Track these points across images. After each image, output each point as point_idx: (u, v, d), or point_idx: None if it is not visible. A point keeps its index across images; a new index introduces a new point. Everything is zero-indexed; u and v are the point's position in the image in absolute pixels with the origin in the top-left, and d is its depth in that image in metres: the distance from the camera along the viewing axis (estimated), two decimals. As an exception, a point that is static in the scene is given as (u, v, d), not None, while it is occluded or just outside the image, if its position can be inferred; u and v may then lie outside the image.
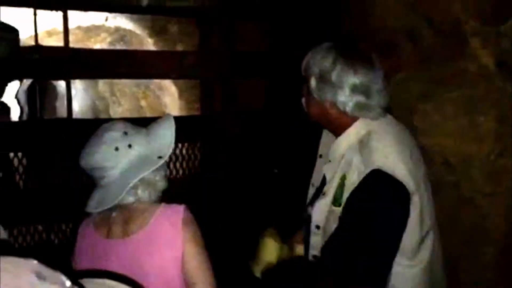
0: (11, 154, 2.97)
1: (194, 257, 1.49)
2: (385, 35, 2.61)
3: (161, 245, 1.48)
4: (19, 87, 5.96)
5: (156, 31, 4.69)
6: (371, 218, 1.56)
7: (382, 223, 1.57)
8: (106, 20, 4.66)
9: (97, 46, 5.69)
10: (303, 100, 1.77)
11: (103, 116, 7.62)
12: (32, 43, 3.23)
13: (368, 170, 1.58)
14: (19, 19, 3.48)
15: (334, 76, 1.62)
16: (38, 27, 3.00)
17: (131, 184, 1.46)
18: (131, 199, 1.51)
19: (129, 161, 1.48)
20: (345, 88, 1.62)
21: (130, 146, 1.49)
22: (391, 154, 1.60)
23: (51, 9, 2.69)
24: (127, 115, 6.92)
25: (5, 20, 2.70)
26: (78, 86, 7.50)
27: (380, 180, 1.56)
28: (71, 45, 2.74)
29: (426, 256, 1.66)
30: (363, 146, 1.64)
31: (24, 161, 2.95)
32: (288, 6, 3.07)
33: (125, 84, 6.74)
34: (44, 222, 2.75)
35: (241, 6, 2.98)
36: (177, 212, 1.52)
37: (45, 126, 2.68)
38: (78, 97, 7.70)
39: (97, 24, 4.82)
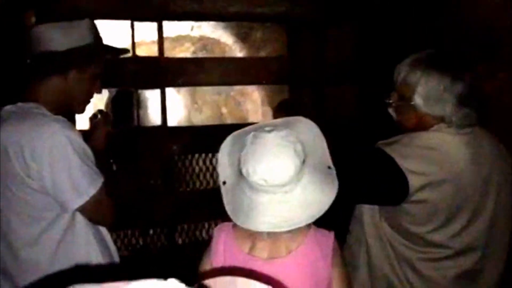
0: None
1: None
2: (487, 35, 2.49)
3: (308, 274, 1.36)
4: (107, 96, 6.24)
5: (240, 39, 4.74)
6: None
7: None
8: (192, 29, 4.77)
9: (181, 55, 5.85)
10: (392, 108, 1.80)
11: (184, 123, 7.82)
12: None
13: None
14: (113, 31, 3.66)
15: (441, 91, 1.66)
16: (127, 39, 3.12)
17: (330, 203, 1.32)
18: None
19: (307, 174, 1.34)
20: (453, 100, 1.66)
21: (306, 157, 1.35)
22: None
23: (147, 20, 2.80)
24: (208, 122, 7.06)
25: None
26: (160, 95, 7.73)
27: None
28: (157, 55, 2.83)
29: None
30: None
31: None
32: (379, 11, 3.00)
33: (206, 92, 6.87)
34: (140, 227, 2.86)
35: (332, 12, 2.94)
36: (329, 240, 1.39)
37: (143, 133, 2.78)
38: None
39: (183, 34, 4.95)
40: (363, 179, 1.70)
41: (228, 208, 1.38)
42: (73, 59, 1.79)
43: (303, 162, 1.33)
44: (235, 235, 1.43)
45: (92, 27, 1.87)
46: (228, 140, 1.43)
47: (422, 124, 1.73)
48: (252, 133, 1.37)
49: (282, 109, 2.65)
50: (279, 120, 1.50)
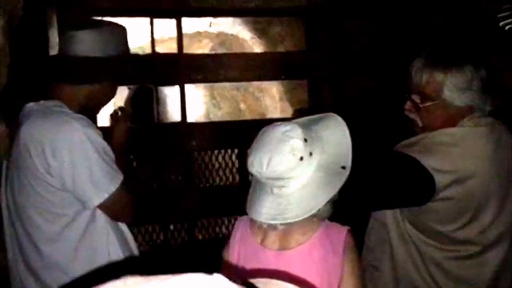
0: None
1: None
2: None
3: (317, 268, 1.37)
4: (127, 93, 6.29)
5: (258, 34, 4.72)
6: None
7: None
8: (210, 25, 4.77)
9: (199, 51, 5.86)
10: (416, 113, 1.77)
11: (204, 120, 7.85)
12: (144, 51, 3.38)
13: None
14: (132, 27, 3.68)
15: (469, 79, 1.67)
16: (144, 36, 3.14)
17: (324, 203, 1.34)
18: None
19: (311, 171, 1.35)
20: (480, 86, 1.68)
21: (311, 154, 1.36)
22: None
23: (166, 17, 2.81)
24: (227, 117, 7.06)
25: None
26: (178, 91, 7.76)
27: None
28: (176, 51, 2.84)
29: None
30: None
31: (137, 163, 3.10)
32: (397, 3, 2.96)
33: (224, 87, 6.87)
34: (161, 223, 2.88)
35: (349, 4, 2.92)
36: (340, 234, 1.40)
37: (163, 130, 2.79)
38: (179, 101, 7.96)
39: (201, 31, 4.95)
40: (388, 184, 1.68)
41: (247, 199, 1.46)
42: (112, 69, 1.80)
43: (302, 158, 1.34)
44: (251, 227, 1.48)
45: (126, 35, 1.89)
46: (258, 135, 1.47)
47: (449, 121, 1.72)
48: (265, 127, 1.42)
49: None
50: (309, 117, 1.54)
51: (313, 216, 1.37)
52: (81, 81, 1.79)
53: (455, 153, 1.67)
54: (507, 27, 2.64)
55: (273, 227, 1.41)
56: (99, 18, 2.55)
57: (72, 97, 1.79)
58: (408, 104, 1.79)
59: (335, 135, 1.43)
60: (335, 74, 3.00)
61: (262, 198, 1.39)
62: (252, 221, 1.46)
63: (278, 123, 1.42)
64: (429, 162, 1.63)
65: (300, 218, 1.34)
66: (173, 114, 7.22)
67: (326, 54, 3.06)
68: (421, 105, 1.74)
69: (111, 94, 1.91)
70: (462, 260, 1.71)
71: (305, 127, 1.41)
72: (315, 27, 3.28)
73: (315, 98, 3.27)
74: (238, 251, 1.48)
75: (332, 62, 3.01)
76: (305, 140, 1.36)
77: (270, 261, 1.41)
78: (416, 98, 1.75)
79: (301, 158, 1.34)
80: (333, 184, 1.36)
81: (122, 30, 1.87)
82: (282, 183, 1.36)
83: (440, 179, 1.62)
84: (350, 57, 3.04)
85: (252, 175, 1.43)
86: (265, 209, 1.37)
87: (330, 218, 1.46)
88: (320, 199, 1.35)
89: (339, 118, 1.47)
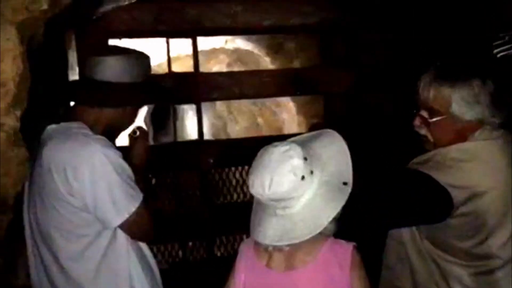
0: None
1: None
2: None
3: (323, 285, 1.38)
4: (146, 111, 6.38)
5: (273, 50, 4.75)
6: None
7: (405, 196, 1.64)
8: (226, 42, 4.83)
9: (216, 67, 5.91)
10: (426, 129, 1.77)
11: (221, 134, 7.88)
12: (160, 70, 3.44)
13: None
14: (147, 46, 3.74)
15: (476, 93, 1.68)
16: (161, 54, 3.19)
17: (329, 220, 1.34)
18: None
19: (313, 190, 1.35)
20: (488, 100, 1.69)
21: (312, 172, 1.36)
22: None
23: (182, 37, 2.86)
24: (244, 132, 7.07)
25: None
26: (196, 110, 7.82)
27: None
28: (192, 68, 2.88)
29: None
30: None
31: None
32: (412, 17, 2.97)
33: (241, 102, 6.90)
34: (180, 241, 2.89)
35: (363, 19, 2.93)
36: (346, 251, 1.40)
37: (181, 148, 2.83)
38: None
39: (217, 47, 5.01)
40: (406, 202, 1.67)
41: (250, 221, 1.46)
42: (135, 95, 1.85)
43: (304, 177, 1.33)
44: (255, 249, 1.47)
45: (150, 62, 1.94)
46: (257, 155, 1.46)
47: (460, 136, 1.72)
48: (263, 147, 1.42)
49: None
50: (304, 135, 1.55)
51: (319, 234, 1.36)
52: (105, 105, 1.84)
53: (469, 168, 1.66)
54: (499, 55, 2.66)
55: (278, 248, 1.40)
56: (116, 39, 2.62)
57: (95, 120, 1.83)
58: (417, 120, 1.80)
59: (334, 151, 1.43)
60: (349, 89, 3.01)
61: (266, 220, 1.39)
62: (257, 243, 1.45)
63: (276, 143, 1.42)
64: (444, 178, 1.63)
65: (307, 237, 1.34)
66: (191, 129, 7.26)
67: (340, 69, 3.07)
68: (430, 120, 1.75)
69: (133, 119, 1.96)
70: (484, 276, 1.69)
71: (303, 145, 1.41)
72: (329, 42, 3.31)
73: (331, 112, 3.28)
74: (244, 275, 1.47)
75: (347, 76, 3.02)
76: (305, 158, 1.35)
77: (276, 282, 1.41)
78: (424, 113, 1.76)
79: (303, 177, 1.34)
80: (336, 201, 1.35)
81: (146, 58, 1.93)
82: (285, 204, 1.35)
83: (456, 195, 1.61)
84: (365, 71, 3.05)
85: (253, 196, 1.42)
86: (270, 231, 1.37)
87: (338, 235, 1.46)
88: (325, 217, 1.34)
89: (336, 134, 1.47)
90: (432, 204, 1.66)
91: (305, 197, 1.35)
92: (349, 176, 1.39)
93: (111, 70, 1.81)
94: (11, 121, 1.63)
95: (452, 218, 1.64)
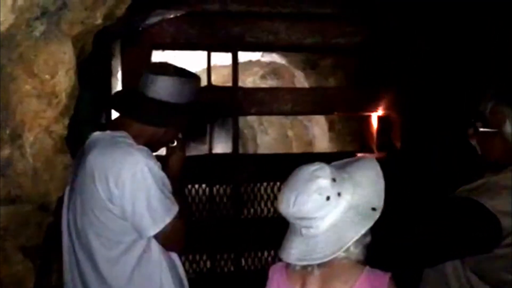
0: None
1: None
2: None
3: None
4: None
5: (309, 65, 4.77)
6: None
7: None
8: (262, 56, 4.87)
9: (250, 79, 5.95)
10: (471, 131, 1.79)
11: (250, 144, 7.89)
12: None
13: None
14: (186, 55, 3.79)
15: None
16: (199, 63, 3.23)
17: (351, 242, 1.34)
18: (341, 255, 1.35)
19: (339, 212, 1.35)
20: None
21: (339, 194, 1.35)
22: None
23: (223, 51, 2.90)
24: (273, 144, 7.07)
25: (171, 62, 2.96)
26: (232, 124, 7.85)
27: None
28: (227, 80, 2.92)
29: None
30: None
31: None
32: (450, 39, 2.95)
33: (273, 114, 6.90)
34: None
35: (402, 41, 2.93)
36: (382, 281, 1.38)
37: (215, 160, 2.86)
38: (229, 126, 8.06)
39: (253, 60, 5.05)
40: (452, 232, 1.64)
41: (282, 242, 1.46)
42: (181, 116, 1.90)
43: (329, 198, 1.33)
44: (287, 274, 1.46)
45: (199, 85, 1.97)
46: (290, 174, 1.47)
47: (508, 156, 1.70)
48: (299, 166, 1.43)
49: None
50: (347, 159, 1.55)
51: (345, 258, 1.36)
52: (152, 123, 1.89)
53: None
54: None
55: (309, 271, 1.40)
56: (160, 51, 2.68)
57: (138, 133, 1.87)
58: (471, 129, 1.80)
59: (368, 176, 1.42)
60: (387, 109, 3.00)
61: (292, 239, 1.40)
62: (288, 268, 1.45)
63: (312, 163, 1.42)
64: (495, 204, 1.59)
65: (328, 259, 1.34)
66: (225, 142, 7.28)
67: (377, 89, 3.07)
68: (480, 129, 1.75)
69: (175, 136, 2.00)
70: None
71: (338, 167, 1.42)
72: (366, 61, 3.31)
73: (370, 131, 3.27)
74: None
75: (383, 96, 3.02)
76: (334, 179, 1.36)
77: None
78: (479, 124, 1.76)
79: (328, 198, 1.34)
80: (361, 225, 1.34)
81: (196, 80, 1.97)
82: (309, 223, 1.36)
83: (506, 223, 1.57)
84: (404, 91, 3.04)
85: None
86: (294, 250, 1.38)
87: (373, 262, 1.45)
88: (348, 239, 1.33)
89: (374, 161, 1.47)
90: (481, 233, 1.61)
91: (330, 218, 1.35)
92: (380, 202, 1.38)
93: (165, 90, 1.85)
94: (59, 129, 1.67)
95: (500, 248, 1.60)
